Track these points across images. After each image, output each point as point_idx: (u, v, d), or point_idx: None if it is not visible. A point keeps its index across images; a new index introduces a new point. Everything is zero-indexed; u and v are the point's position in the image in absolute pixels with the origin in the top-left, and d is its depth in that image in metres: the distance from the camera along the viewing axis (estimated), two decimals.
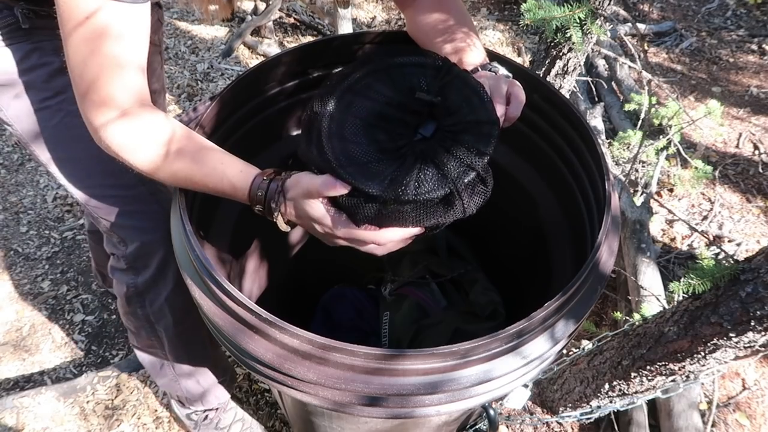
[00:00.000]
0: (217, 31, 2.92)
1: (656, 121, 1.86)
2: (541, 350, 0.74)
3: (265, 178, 0.75)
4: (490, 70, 0.86)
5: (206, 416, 1.41)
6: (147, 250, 1.06)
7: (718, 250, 1.93)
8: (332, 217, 0.72)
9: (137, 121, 0.74)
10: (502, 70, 0.87)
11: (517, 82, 0.83)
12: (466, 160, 0.69)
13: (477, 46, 0.90)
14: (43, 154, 0.97)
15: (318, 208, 0.72)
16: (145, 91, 0.75)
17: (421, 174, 0.68)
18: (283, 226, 0.77)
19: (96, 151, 0.91)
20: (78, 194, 1.00)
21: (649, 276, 1.69)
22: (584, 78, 2.49)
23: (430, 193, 0.68)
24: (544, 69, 1.38)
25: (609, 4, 1.16)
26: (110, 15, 0.68)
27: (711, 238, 2.01)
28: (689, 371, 1.04)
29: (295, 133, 1.15)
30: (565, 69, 1.36)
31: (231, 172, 0.76)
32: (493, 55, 0.95)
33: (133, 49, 0.72)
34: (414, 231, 0.74)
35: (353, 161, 0.71)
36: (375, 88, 0.76)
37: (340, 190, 0.69)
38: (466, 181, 0.69)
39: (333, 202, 0.72)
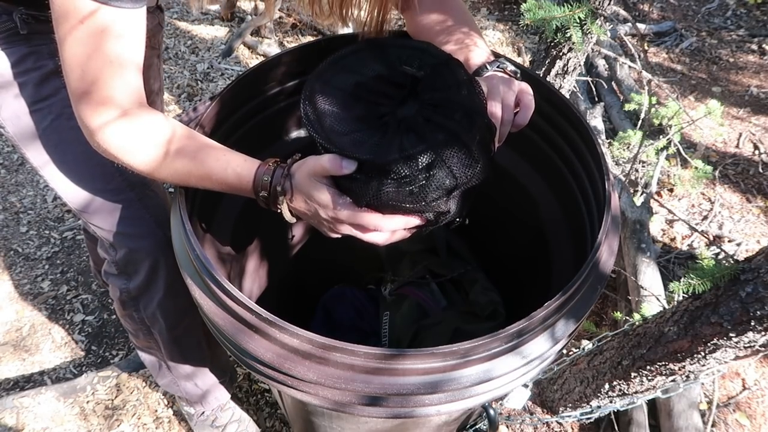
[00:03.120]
0: (217, 31, 2.92)
1: (656, 121, 1.86)
2: (541, 350, 0.74)
3: (270, 164, 0.75)
4: (498, 67, 0.86)
5: (203, 412, 1.41)
6: (135, 256, 1.06)
7: (718, 250, 1.93)
8: (336, 198, 0.72)
9: (136, 121, 0.74)
10: (511, 67, 0.87)
11: (529, 89, 0.83)
12: (445, 126, 0.70)
13: (480, 45, 0.89)
14: (33, 156, 0.96)
15: (322, 190, 0.71)
16: (143, 92, 0.75)
17: (403, 139, 0.70)
18: (287, 215, 0.77)
19: (84, 155, 0.91)
20: (67, 197, 1.00)
21: (649, 276, 1.69)
22: (584, 78, 2.49)
23: (415, 156, 0.68)
24: (544, 69, 1.38)
25: (609, 4, 1.16)
26: (109, 15, 0.68)
27: (711, 238, 2.01)
28: (689, 371, 1.04)
29: (295, 133, 1.15)
30: (565, 69, 1.36)
31: (235, 162, 0.76)
32: (495, 56, 0.95)
33: (133, 48, 0.72)
34: (414, 221, 0.74)
35: (339, 133, 0.71)
36: (366, 63, 0.78)
37: (346, 169, 0.69)
38: (444, 141, 0.69)
39: (336, 184, 0.73)
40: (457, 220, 0.79)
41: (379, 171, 0.69)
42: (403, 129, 0.71)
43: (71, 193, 0.99)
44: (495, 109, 0.79)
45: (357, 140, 0.71)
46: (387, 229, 0.73)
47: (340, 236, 0.77)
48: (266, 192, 0.75)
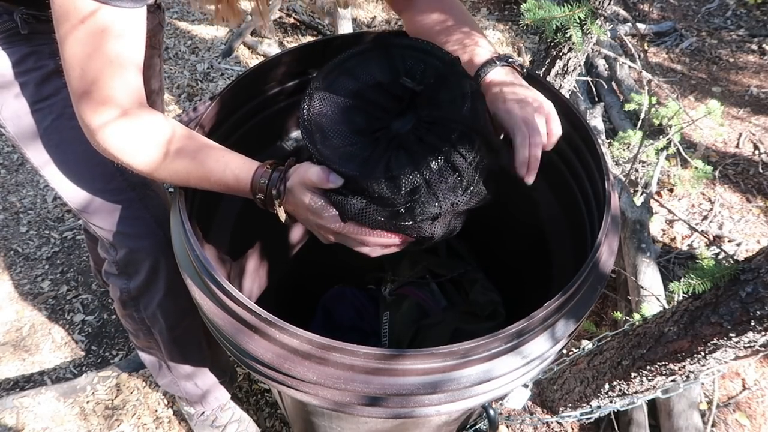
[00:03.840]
0: (217, 31, 2.92)
1: (656, 121, 1.86)
2: (541, 350, 0.74)
3: (268, 167, 0.76)
4: (507, 61, 0.85)
5: (203, 412, 1.41)
6: (135, 256, 1.06)
7: (718, 250, 1.93)
8: (323, 209, 0.73)
9: (137, 121, 0.74)
10: (518, 61, 0.87)
11: (556, 115, 0.82)
12: (437, 148, 0.69)
13: (481, 45, 0.88)
14: (34, 156, 0.96)
15: (311, 199, 0.73)
16: (143, 92, 0.75)
17: (392, 158, 0.69)
18: (282, 216, 0.78)
19: (85, 155, 0.91)
20: (67, 197, 1.00)
21: (649, 276, 1.69)
22: (584, 78, 2.49)
23: (400, 178, 0.67)
24: (544, 69, 1.38)
25: (609, 4, 1.16)
26: (110, 15, 0.68)
27: (711, 238, 2.01)
28: (689, 371, 1.04)
29: (294, 133, 1.15)
30: (565, 69, 1.36)
31: (233, 164, 0.77)
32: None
33: (133, 48, 0.72)
34: (397, 240, 0.75)
35: (330, 144, 0.71)
36: (366, 66, 0.77)
37: (332, 183, 0.70)
38: (434, 166, 0.68)
39: (325, 194, 0.73)
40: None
41: (363, 189, 0.69)
42: (393, 147, 0.70)
43: (72, 192, 0.99)
44: (536, 120, 0.78)
45: (347, 154, 0.71)
46: (371, 244, 0.75)
47: (331, 242, 0.79)
48: (263, 195, 0.76)
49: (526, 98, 0.81)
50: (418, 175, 0.68)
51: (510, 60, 0.85)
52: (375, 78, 0.76)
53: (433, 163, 0.68)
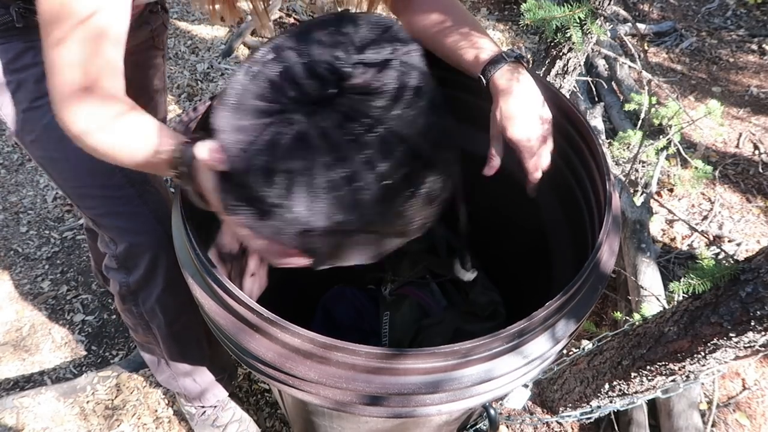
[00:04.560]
0: (217, 31, 2.92)
1: (656, 121, 1.86)
2: (541, 350, 0.74)
3: (188, 141, 0.67)
4: (516, 58, 0.84)
5: (204, 412, 1.41)
6: (135, 251, 1.07)
7: (718, 250, 1.93)
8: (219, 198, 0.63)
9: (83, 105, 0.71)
10: (526, 57, 0.86)
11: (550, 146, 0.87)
12: (339, 146, 0.54)
13: (481, 45, 0.87)
14: (34, 153, 0.97)
15: (209, 179, 0.63)
16: (93, 78, 0.71)
17: (280, 148, 0.55)
18: (194, 198, 0.70)
19: (83, 151, 0.91)
20: (68, 193, 1.01)
21: (649, 276, 1.69)
22: (584, 78, 2.49)
23: (274, 174, 0.55)
24: (544, 69, 1.38)
25: (609, 4, 1.16)
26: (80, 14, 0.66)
27: (711, 238, 2.01)
28: (689, 371, 1.04)
29: None
30: (565, 69, 1.36)
31: (159, 141, 0.69)
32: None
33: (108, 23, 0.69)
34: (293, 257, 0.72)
35: (226, 117, 0.59)
36: (309, 41, 0.61)
37: (219, 157, 0.59)
38: (320, 169, 0.54)
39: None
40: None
41: (235, 179, 0.58)
42: (291, 137, 0.55)
43: (72, 188, 0.99)
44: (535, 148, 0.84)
45: (239, 131, 0.57)
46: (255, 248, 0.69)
47: None
48: (176, 171, 0.69)
49: (529, 116, 0.84)
50: (288, 182, 0.55)
51: (518, 56, 0.84)
52: (312, 55, 0.60)
53: (324, 167, 0.54)
